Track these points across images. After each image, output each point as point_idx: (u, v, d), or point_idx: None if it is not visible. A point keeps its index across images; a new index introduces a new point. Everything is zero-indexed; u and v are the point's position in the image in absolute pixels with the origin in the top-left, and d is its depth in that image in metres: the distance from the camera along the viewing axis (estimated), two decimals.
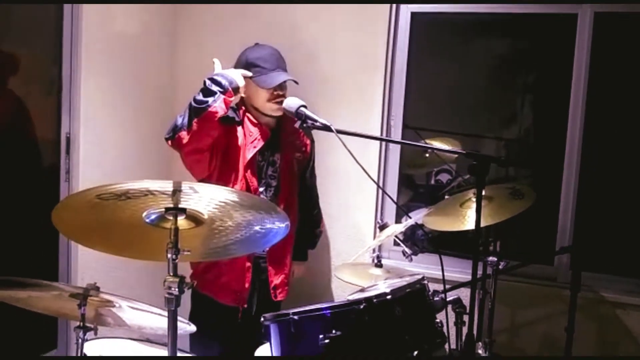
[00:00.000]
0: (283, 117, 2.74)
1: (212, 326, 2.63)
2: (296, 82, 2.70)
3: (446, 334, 2.07)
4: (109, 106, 3.10)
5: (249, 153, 2.67)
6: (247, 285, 2.71)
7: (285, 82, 2.68)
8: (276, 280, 2.80)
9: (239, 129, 2.69)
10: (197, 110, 2.46)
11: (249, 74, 2.63)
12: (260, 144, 2.68)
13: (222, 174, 2.65)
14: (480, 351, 2.58)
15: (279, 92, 2.66)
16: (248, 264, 2.71)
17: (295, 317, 1.92)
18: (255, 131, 2.69)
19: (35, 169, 2.95)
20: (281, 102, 2.60)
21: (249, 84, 2.65)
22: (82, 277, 2.93)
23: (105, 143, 3.09)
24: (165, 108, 3.47)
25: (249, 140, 2.68)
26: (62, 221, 1.65)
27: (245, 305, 2.72)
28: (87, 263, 2.97)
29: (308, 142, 2.94)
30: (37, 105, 2.94)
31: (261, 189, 2.73)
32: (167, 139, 2.53)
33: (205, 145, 2.53)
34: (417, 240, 3.02)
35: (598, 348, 3.02)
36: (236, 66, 2.71)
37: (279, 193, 2.77)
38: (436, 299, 2.07)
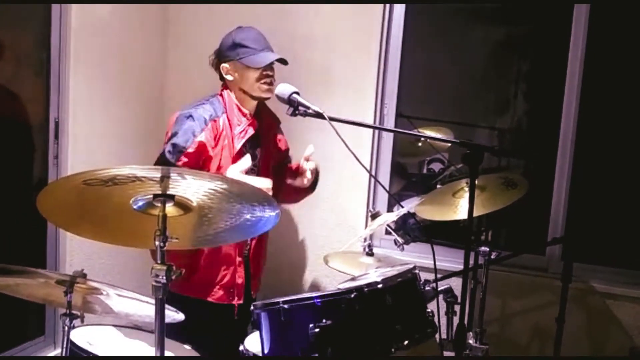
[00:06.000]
0: (262, 111, 2.73)
1: (205, 327, 2.51)
2: (286, 63, 2.65)
3: (437, 323, 2.06)
4: (98, 90, 3.05)
5: (237, 143, 2.63)
6: (240, 280, 2.68)
7: (273, 63, 2.64)
8: (253, 277, 2.78)
9: (223, 120, 2.63)
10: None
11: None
12: (248, 134, 2.64)
13: (211, 165, 2.60)
14: (471, 341, 2.57)
15: (268, 72, 2.63)
16: (239, 259, 2.68)
17: (286, 305, 1.90)
18: (244, 121, 2.64)
19: (23, 154, 2.91)
20: (270, 83, 2.60)
21: (237, 66, 2.63)
22: (70, 264, 2.90)
23: (95, 127, 3.04)
24: (155, 91, 3.42)
25: (237, 131, 2.63)
26: (48, 207, 1.62)
27: (242, 301, 2.67)
28: (75, 250, 2.93)
29: (283, 138, 2.90)
30: (25, 89, 2.90)
31: None
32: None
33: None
34: (409, 230, 3.01)
35: (588, 338, 3.03)
36: (221, 48, 2.67)
37: None
38: (427, 288, 2.05)
